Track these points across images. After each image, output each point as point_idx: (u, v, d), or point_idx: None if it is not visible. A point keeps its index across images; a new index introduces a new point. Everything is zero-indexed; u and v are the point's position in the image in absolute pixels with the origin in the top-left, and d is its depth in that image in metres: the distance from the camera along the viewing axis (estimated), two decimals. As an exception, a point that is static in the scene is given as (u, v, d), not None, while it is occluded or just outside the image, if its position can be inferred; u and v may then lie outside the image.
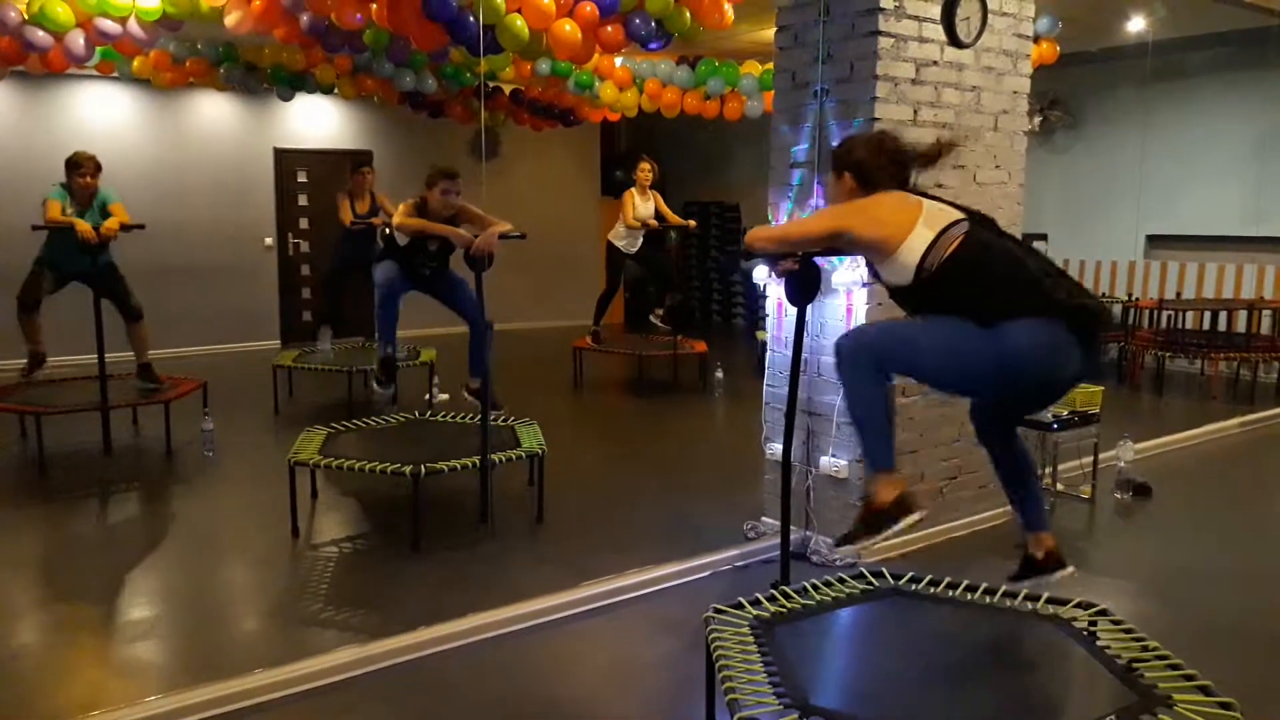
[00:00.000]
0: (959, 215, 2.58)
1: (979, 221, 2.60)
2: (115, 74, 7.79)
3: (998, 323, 2.45)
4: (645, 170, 7.85)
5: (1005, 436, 2.85)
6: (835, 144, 2.94)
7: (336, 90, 8.20)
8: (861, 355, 2.63)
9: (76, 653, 3.32)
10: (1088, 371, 2.58)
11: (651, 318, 8.24)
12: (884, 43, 3.87)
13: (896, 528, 2.60)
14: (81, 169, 5.54)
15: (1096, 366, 2.61)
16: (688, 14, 5.60)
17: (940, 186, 4.11)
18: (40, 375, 6.01)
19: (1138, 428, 5.95)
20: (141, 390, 6.00)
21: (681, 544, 4.16)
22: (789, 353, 3.94)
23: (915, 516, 2.59)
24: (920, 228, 2.52)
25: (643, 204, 7.85)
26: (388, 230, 5.07)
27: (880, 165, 2.69)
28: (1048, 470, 4.94)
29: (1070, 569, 2.89)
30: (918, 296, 2.60)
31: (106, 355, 5.59)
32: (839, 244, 2.75)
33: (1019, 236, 4.59)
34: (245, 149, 9.83)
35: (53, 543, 4.41)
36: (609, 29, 5.63)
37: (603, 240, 8.59)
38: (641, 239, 8.01)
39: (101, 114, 9.06)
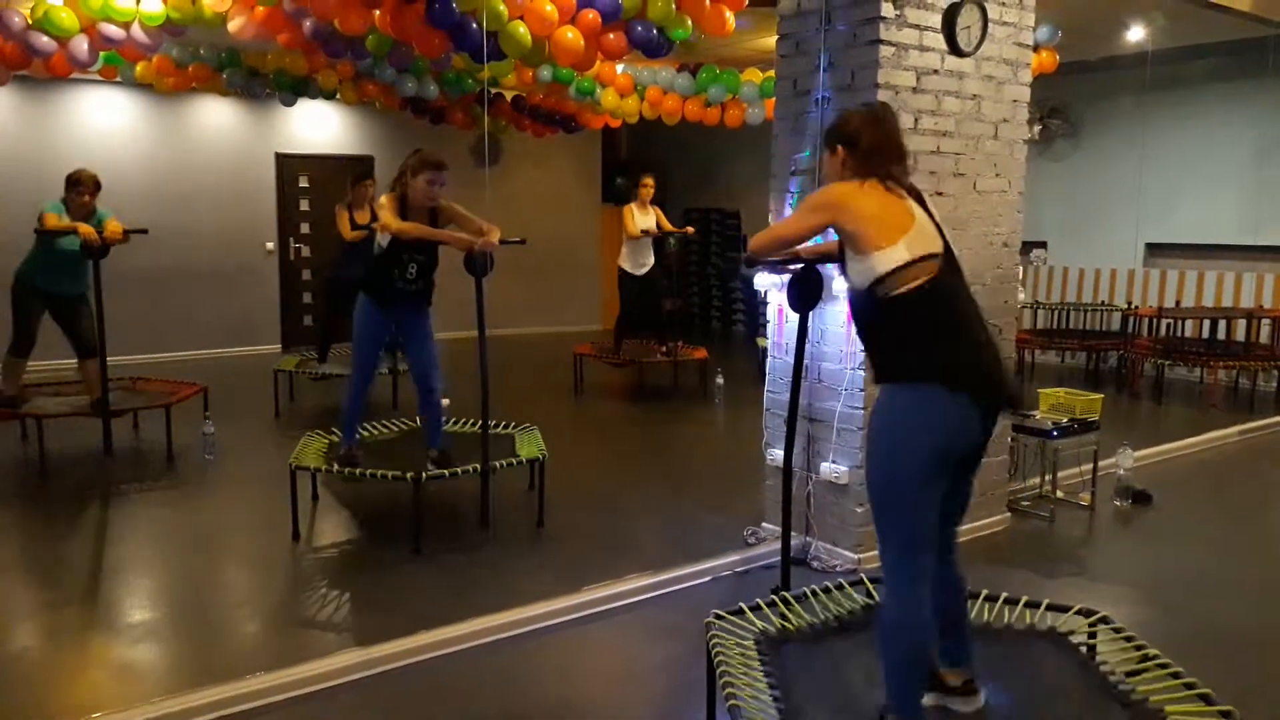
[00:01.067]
0: (938, 247, 2.43)
1: (949, 263, 2.45)
2: (118, 79, 7.80)
3: (914, 380, 2.39)
4: (649, 186, 7.86)
5: (943, 551, 2.56)
6: (832, 119, 2.74)
7: (339, 96, 8.22)
8: (890, 556, 2.41)
9: (77, 655, 3.32)
10: (983, 440, 2.47)
11: (659, 356, 8.15)
12: (885, 51, 3.89)
13: None
14: (81, 187, 5.51)
15: (989, 433, 2.47)
16: (689, 21, 5.62)
17: (940, 195, 4.12)
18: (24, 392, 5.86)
19: (1137, 435, 5.96)
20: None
21: (682, 550, 4.17)
22: (789, 359, 3.95)
23: None
24: (901, 246, 2.38)
25: (642, 218, 7.85)
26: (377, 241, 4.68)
27: (875, 139, 2.54)
28: (1047, 478, 4.96)
29: (980, 702, 2.58)
30: (862, 307, 2.51)
31: (108, 359, 5.60)
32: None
33: (1020, 241, 4.64)
34: (247, 154, 9.86)
35: (54, 546, 4.41)
36: (611, 36, 5.65)
37: (602, 246, 8.61)
38: (651, 257, 8.00)
39: (104, 119, 9.09)
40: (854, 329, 2.63)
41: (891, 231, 2.40)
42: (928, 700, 2.55)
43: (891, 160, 2.55)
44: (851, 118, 2.63)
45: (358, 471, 4.35)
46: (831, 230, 2.58)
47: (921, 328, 2.41)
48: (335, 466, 4.41)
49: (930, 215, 2.49)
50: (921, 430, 2.37)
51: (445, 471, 4.24)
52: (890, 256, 2.38)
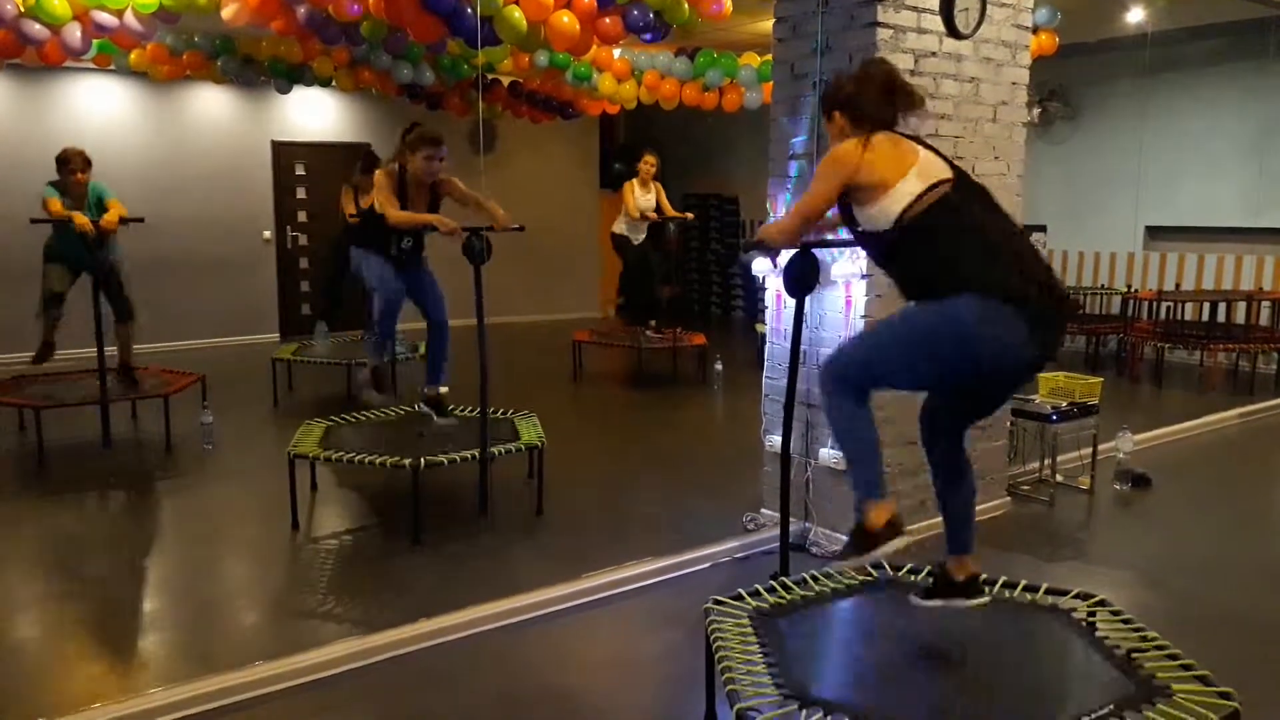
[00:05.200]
0: (949, 174, 2.51)
1: (964, 186, 2.53)
2: (112, 67, 7.76)
3: (949, 294, 2.42)
4: (649, 163, 7.87)
5: (951, 444, 2.74)
6: (824, 86, 2.83)
7: (334, 83, 8.18)
8: (835, 381, 2.60)
9: (76, 645, 3.33)
10: (1043, 356, 2.52)
11: (647, 331, 8.19)
12: (883, 34, 3.86)
13: (886, 549, 2.58)
14: (70, 165, 5.52)
15: (1050, 351, 2.53)
16: (686, 5, 5.59)
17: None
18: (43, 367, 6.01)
19: (1137, 419, 5.95)
20: (124, 386, 5.97)
21: (681, 536, 4.16)
22: (788, 345, 3.93)
23: (902, 541, 2.57)
24: (912, 176, 2.47)
25: (643, 195, 7.86)
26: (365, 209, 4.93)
27: (871, 97, 2.59)
28: (1046, 461, 4.95)
29: (985, 599, 2.75)
30: (887, 246, 2.55)
31: (106, 349, 5.58)
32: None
33: (1019, 225, 4.61)
34: (243, 142, 9.81)
35: (52, 536, 4.41)
36: (607, 20, 5.62)
37: (601, 233, 8.62)
38: (645, 229, 8.03)
39: (98, 107, 9.04)
40: (889, 274, 2.68)
41: (900, 167, 2.48)
42: (935, 603, 2.77)
43: (889, 110, 2.60)
44: (844, 82, 2.68)
45: (354, 457, 4.33)
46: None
47: (943, 242, 2.46)
48: (367, 385, 4.92)
49: (934, 150, 2.57)
50: (955, 331, 2.42)
51: (444, 459, 4.23)
52: (904, 189, 2.46)
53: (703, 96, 8.42)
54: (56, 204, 5.44)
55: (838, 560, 2.64)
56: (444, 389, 4.85)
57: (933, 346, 2.48)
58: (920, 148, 2.55)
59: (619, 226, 8.04)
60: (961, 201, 2.50)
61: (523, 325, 10.70)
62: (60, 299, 5.78)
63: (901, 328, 2.56)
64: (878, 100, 2.59)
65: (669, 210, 8.09)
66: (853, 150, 2.53)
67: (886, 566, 3.13)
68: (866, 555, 2.59)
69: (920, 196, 2.46)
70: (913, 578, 3.08)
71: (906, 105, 2.63)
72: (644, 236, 8.07)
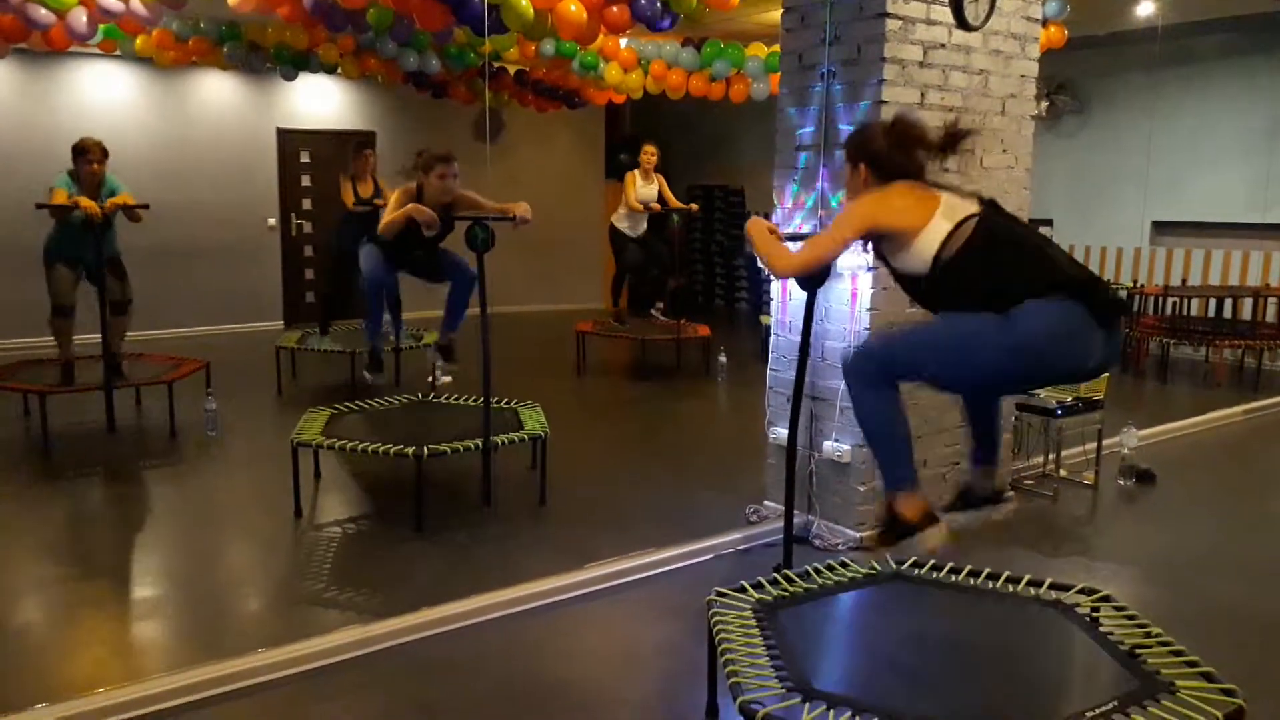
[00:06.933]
0: (975, 209, 2.53)
1: (995, 213, 2.56)
2: (118, 52, 7.77)
3: (1011, 309, 2.41)
4: (649, 154, 7.85)
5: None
6: (850, 133, 2.85)
7: (340, 70, 8.16)
8: (867, 365, 2.61)
9: (80, 631, 3.33)
10: (1109, 356, 2.51)
11: (653, 311, 8.25)
12: (892, 24, 3.83)
13: (925, 539, 2.60)
14: (88, 155, 5.49)
15: (1116, 349, 2.55)
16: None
17: (945, 171, 4.08)
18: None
19: (1142, 415, 5.94)
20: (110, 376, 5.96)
21: (684, 527, 4.16)
22: (793, 337, 3.93)
23: (942, 531, 2.59)
24: (938, 219, 2.50)
25: (645, 186, 7.84)
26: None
27: (896, 155, 2.64)
28: (1051, 456, 4.94)
29: (1013, 505, 2.99)
30: (933, 287, 2.56)
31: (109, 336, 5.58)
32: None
33: (1026, 222, 4.59)
34: (248, 129, 9.80)
35: (56, 522, 4.42)
36: (614, 9, 5.60)
37: (606, 224, 8.59)
38: (645, 223, 8.02)
39: (103, 93, 9.03)
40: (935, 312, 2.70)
41: (924, 211, 2.52)
42: (963, 519, 2.89)
43: (915, 164, 2.65)
44: (871, 136, 2.72)
45: (358, 446, 4.32)
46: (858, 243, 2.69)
47: (992, 269, 2.47)
48: (364, 367, 5.21)
49: (954, 190, 2.60)
50: (1022, 342, 2.40)
51: (447, 448, 4.23)
52: (934, 231, 2.49)
53: (709, 87, 8.40)
54: (62, 196, 5.42)
55: (870, 548, 2.69)
56: (453, 336, 5.09)
57: (998, 356, 2.44)
58: (941, 192, 2.57)
59: (618, 221, 8.02)
60: (997, 224, 2.52)
61: (526, 315, 10.69)
62: (69, 311, 5.72)
63: (960, 334, 2.51)
64: (902, 157, 2.64)
65: (672, 201, 8.07)
66: (873, 205, 2.58)
67: (890, 559, 3.12)
68: (898, 544, 2.65)
69: (952, 234, 2.48)
70: (916, 570, 3.07)
71: (939, 153, 2.66)
72: (644, 230, 8.05)
